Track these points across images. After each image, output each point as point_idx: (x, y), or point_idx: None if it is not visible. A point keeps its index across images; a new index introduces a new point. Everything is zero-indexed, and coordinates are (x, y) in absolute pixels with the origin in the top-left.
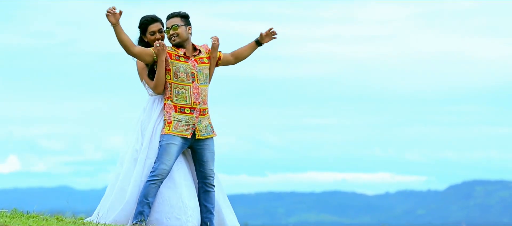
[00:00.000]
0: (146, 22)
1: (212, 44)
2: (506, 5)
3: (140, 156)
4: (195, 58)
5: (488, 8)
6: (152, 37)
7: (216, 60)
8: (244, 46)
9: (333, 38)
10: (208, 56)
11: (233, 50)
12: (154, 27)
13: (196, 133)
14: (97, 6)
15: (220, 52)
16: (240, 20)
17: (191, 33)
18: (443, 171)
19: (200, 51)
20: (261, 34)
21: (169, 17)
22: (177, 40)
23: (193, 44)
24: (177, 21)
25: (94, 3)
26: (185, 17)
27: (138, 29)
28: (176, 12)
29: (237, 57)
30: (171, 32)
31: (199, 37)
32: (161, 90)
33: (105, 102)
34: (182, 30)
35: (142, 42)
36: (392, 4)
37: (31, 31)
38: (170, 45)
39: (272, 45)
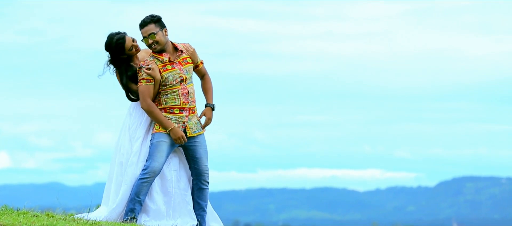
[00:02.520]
0: (121, 41)
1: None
2: (496, 3)
3: (131, 158)
4: (179, 60)
5: (478, 5)
6: (131, 52)
7: (195, 64)
8: (208, 92)
9: (324, 36)
10: (190, 56)
11: (205, 78)
12: (129, 42)
13: (186, 131)
14: (88, 4)
15: (201, 62)
16: (232, 17)
17: (167, 34)
18: (433, 167)
19: (181, 51)
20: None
21: (143, 25)
22: (158, 47)
23: (173, 44)
24: (152, 28)
25: (85, 2)
26: (158, 21)
27: (109, 51)
28: (148, 19)
29: (202, 80)
30: (150, 41)
31: (191, 34)
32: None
33: (95, 100)
34: (160, 36)
35: (117, 60)
36: (383, 1)
37: (22, 28)
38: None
39: (262, 42)
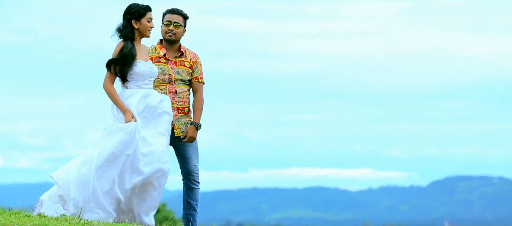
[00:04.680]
0: (144, 10)
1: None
2: (490, 3)
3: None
4: (175, 59)
5: (473, 5)
6: (149, 24)
7: (192, 75)
8: (196, 111)
9: (319, 34)
10: (191, 64)
11: (197, 96)
12: (150, 14)
13: (174, 130)
14: (81, 3)
15: (200, 78)
16: (226, 16)
17: (183, 36)
18: (426, 167)
19: (183, 54)
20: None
21: (174, 12)
22: (173, 38)
23: (181, 46)
24: (180, 20)
25: (78, 1)
26: (186, 18)
27: (128, 15)
28: (181, 11)
29: (194, 97)
30: (171, 28)
31: (187, 33)
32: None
33: (87, 99)
34: (180, 30)
35: (127, 28)
36: (377, 0)
37: (15, 27)
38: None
39: (256, 41)
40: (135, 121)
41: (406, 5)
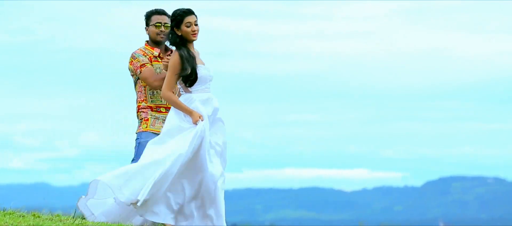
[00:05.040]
0: (183, 14)
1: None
2: (490, 2)
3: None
4: (167, 58)
5: (472, 5)
6: (189, 29)
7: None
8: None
9: (316, 35)
10: None
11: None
12: (189, 19)
13: None
14: (77, 4)
15: None
16: (223, 17)
17: None
18: (420, 167)
19: (171, 51)
20: None
21: (161, 13)
22: (163, 39)
23: (165, 45)
24: (168, 20)
25: (75, 1)
26: (172, 21)
27: (172, 22)
28: (166, 11)
29: None
30: (163, 29)
31: None
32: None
33: (82, 99)
34: (168, 31)
35: (172, 35)
36: (374, 0)
37: (14, 27)
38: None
39: (252, 42)
40: (202, 120)
41: (405, 5)
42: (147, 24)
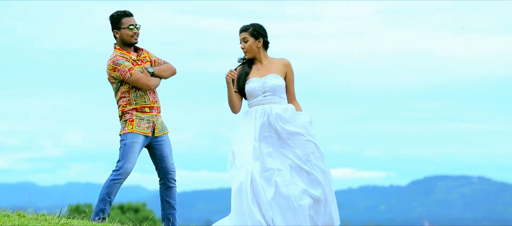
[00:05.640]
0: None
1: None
2: (470, 3)
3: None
4: (140, 58)
5: (453, 6)
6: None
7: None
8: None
9: (298, 35)
10: (148, 57)
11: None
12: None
13: (155, 130)
14: (59, 4)
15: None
16: (205, 17)
17: None
18: (405, 166)
19: (142, 50)
20: None
21: (132, 15)
22: (136, 41)
23: (134, 46)
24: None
25: (57, 1)
26: None
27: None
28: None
29: None
30: (136, 31)
31: (163, 33)
32: (236, 111)
33: (65, 99)
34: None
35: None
36: (356, 1)
37: None
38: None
39: (234, 41)
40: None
41: (386, 6)
42: (117, 28)
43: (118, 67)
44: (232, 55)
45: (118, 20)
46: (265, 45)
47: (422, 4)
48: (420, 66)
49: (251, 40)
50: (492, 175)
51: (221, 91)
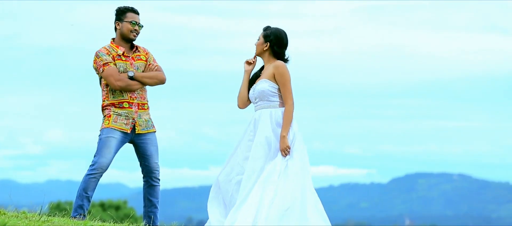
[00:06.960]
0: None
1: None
2: (448, 1)
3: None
4: (132, 55)
5: (431, 3)
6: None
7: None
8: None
9: None
10: (146, 56)
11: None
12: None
13: (136, 127)
14: (38, 1)
15: (155, 63)
16: (186, 14)
17: None
18: (385, 164)
19: (138, 49)
20: None
21: (135, 11)
22: (136, 38)
23: (131, 43)
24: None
25: None
26: None
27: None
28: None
29: None
30: (136, 28)
31: (144, 30)
32: (242, 106)
33: (45, 96)
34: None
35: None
36: None
37: None
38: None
39: (215, 39)
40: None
41: (364, 4)
42: (120, 19)
43: (97, 60)
44: (212, 52)
45: (123, 12)
46: (274, 53)
47: (400, 2)
48: (400, 63)
49: (261, 40)
50: (472, 172)
51: (202, 89)
